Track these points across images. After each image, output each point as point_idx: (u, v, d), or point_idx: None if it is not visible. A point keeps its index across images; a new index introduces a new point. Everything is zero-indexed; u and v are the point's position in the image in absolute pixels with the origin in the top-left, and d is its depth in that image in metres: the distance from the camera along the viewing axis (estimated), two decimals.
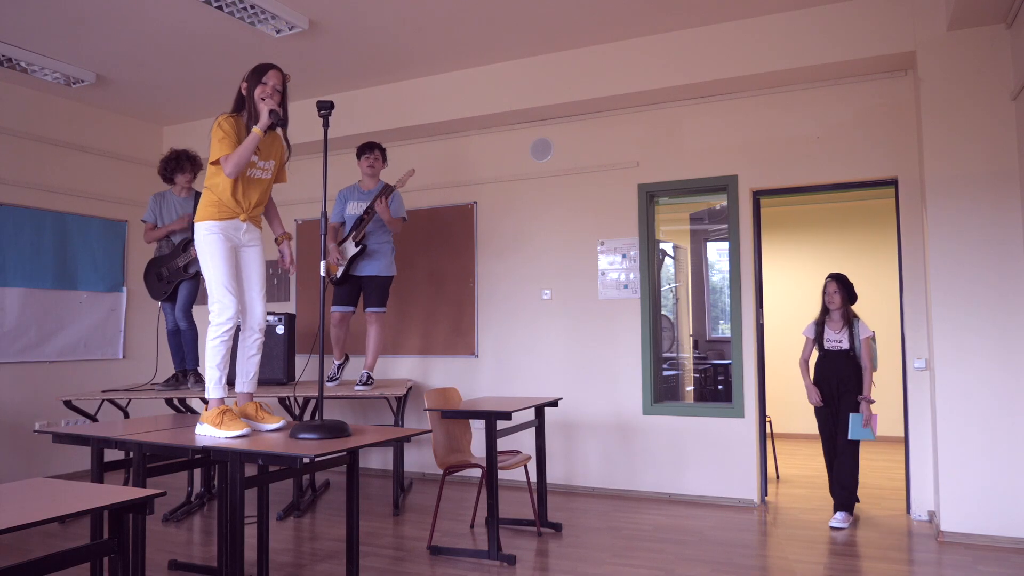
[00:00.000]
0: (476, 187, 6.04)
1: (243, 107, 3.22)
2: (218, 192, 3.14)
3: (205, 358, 3.14)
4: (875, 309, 6.46)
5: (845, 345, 4.63)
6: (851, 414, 4.52)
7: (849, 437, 4.51)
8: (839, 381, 4.63)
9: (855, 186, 5.03)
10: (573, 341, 5.59)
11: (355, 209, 5.17)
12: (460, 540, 4.22)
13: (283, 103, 3.21)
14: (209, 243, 3.12)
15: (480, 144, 6.06)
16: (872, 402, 4.52)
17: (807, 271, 8.22)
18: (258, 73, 3.17)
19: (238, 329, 3.21)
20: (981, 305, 4.11)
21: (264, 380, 5.29)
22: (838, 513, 4.48)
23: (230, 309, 3.09)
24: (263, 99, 3.12)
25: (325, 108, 3.20)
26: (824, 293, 4.76)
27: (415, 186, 6.25)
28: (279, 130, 3.26)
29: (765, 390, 5.29)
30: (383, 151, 5.27)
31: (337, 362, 5.33)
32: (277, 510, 4.84)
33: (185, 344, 5.05)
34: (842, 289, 4.71)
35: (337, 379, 5.29)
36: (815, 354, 4.82)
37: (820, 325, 4.75)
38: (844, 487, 4.52)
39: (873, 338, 4.67)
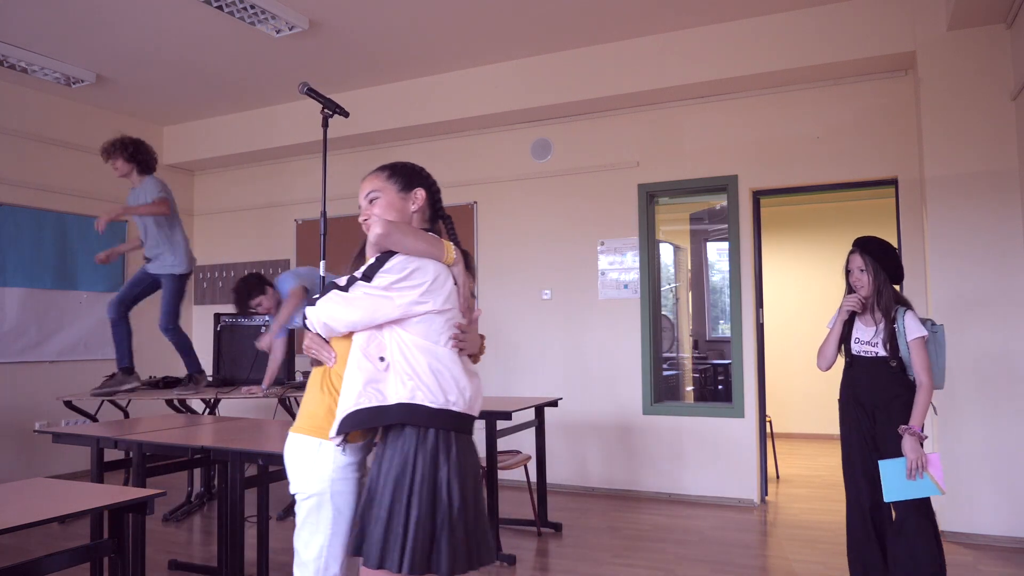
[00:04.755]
0: (476, 187, 6.04)
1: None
2: None
3: None
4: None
5: (881, 351, 2.92)
6: (881, 462, 2.82)
7: (885, 498, 2.80)
8: (875, 406, 2.92)
9: (855, 186, 5.04)
10: (573, 341, 5.59)
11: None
12: None
13: None
14: None
15: (480, 144, 6.05)
16: (924, 437, 2.80)
17: (807, 271, 8.22)
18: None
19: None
20: (981, 305, 4.11)
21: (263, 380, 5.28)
22: None
23: None
24: None
25: (329, 109, 3.12)
26: (847, 272, 3.03)
27: None
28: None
29: (765, 390, 5.29)
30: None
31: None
32: (277, 510, 4.84)
33: (182, 352, 4.89)
34: (873, 264, 2.92)
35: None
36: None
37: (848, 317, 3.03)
38: None
39: (931, 335, 2.92)
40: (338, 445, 1.85)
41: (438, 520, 1.74)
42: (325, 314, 1.82)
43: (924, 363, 2.83)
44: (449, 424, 1.79)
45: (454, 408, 1.80)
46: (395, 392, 1.76)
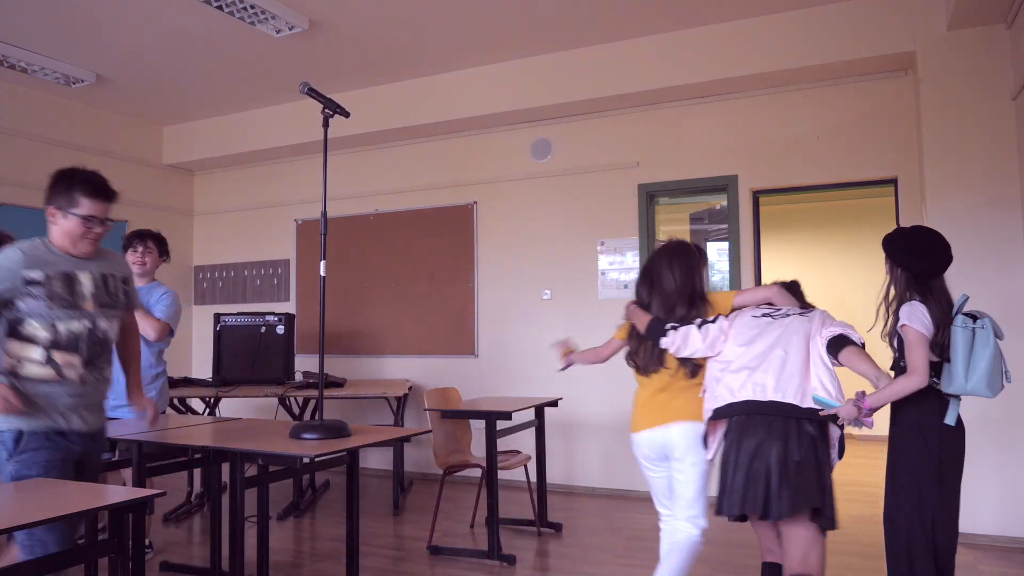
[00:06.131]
0: (476, 187, 6.04)
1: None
2: None
3: None
4: (874, 309, 6.45)
5: (896, 351, 2.66)
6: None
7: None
8: (892, 412, 2.66)
9: (855, 186, 5.04)
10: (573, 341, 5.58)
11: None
12: (460, 540, 4.22)
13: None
14: None
15: (480, 144, 6.05)
16: (863, 414, 2.38)
17: (806, 271, 8.20)
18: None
19: None
20: (980, 305, 4.10)
21: (264, 380, 5.30)
22: None
23: None
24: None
25: (329, 109, 3.10)
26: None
27: (415, 186, 6.26)
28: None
29: None
30: (157, 240, 4.04)
31: None
32: (277, 510, 4.84)
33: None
34: (888, 262, 2.79)
35: None
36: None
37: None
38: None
39: (973, 329, 2.58)
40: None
41: (731, 473, 2.47)
42: (680, 339, 2.68)
43: (913, 357, 2.45)
44: (734, 412, 2.51)
45: (729, 400, 2.52)
46: (715, 397, 2.59)
